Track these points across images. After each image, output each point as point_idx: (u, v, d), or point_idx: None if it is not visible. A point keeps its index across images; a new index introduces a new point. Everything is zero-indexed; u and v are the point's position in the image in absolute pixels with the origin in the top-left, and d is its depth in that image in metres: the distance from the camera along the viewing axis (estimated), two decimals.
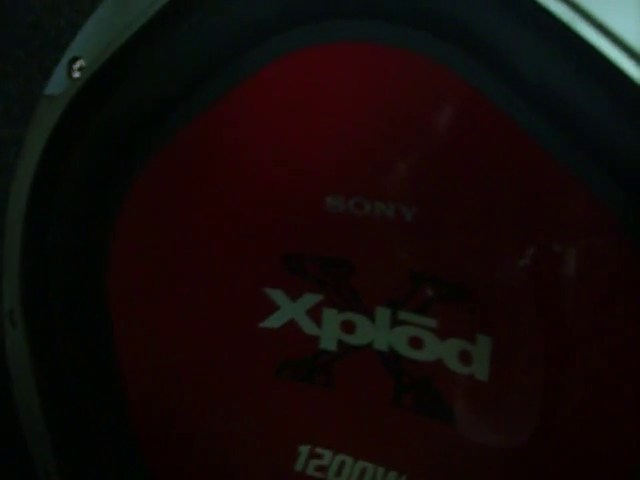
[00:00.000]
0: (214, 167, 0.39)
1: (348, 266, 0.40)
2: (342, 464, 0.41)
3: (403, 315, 0.40)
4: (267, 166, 0.38)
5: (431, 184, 0.37)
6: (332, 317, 0.41)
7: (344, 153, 0.38)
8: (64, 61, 0.39)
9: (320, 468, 0.41)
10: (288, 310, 0.41)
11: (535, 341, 0.38)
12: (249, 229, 0.40)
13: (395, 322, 0.40)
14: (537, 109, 0.33)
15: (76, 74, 0.38)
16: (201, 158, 0.39)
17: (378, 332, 0.41)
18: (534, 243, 0.37)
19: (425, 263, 0.39)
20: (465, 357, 0.40)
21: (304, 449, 0.41)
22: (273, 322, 0.41)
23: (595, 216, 0.35)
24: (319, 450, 0.41)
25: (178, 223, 0.40)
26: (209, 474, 0.43)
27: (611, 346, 0.36)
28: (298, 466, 0.41)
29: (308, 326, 0.41)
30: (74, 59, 0.38)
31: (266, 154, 0.38)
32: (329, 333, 0.41)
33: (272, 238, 0.40)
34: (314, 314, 0.41)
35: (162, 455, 0.43)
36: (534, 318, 0.38)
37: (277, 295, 0.41)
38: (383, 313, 0.40)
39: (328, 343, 0.41)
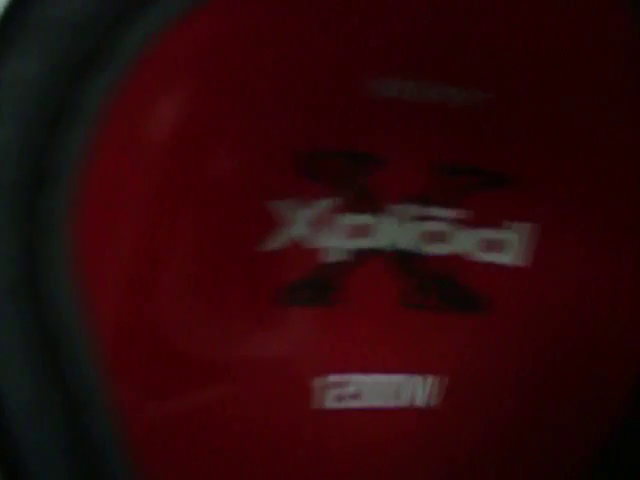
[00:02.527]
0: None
1: (370, 161, 0.36)
2: (375, 385, 0.38)
3: (424, 210, 0.37)
4: (297, 46, 0.34)
5: (504, 69, 0.35)
6: (342, 223, 0.37)
7: (398, 30, 0.34)
8: None
9: (352, 396, 0.38)
10: (294, 223, 0.37)
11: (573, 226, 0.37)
12: (260, 127, 0.35)
13: (414, 218, 0.37)
14: None
15: None
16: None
17: (393, 232, 0.37)
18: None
19: (466, 152, 0.36)
20: (495, 245, 0.38)
21: (329, 380, 0.38)
22: (278, 241, 0.37)
23: None
24: (346, 377, 0.38)
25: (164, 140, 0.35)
26: (213, 430, 0.38)
27: None
28: (327, 402, 0.38)
29: (314, 238, 0.37)
30: None
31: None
32: (338, 242, 0.37)
33: (287, 136, 0.35)
34: (321, 223, 0.37)
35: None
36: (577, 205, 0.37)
37: (284, 207, 0.36)
38: (401, 210, 0.37)
39: (335, 253, 0.37)
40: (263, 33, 0.33)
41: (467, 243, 0.38)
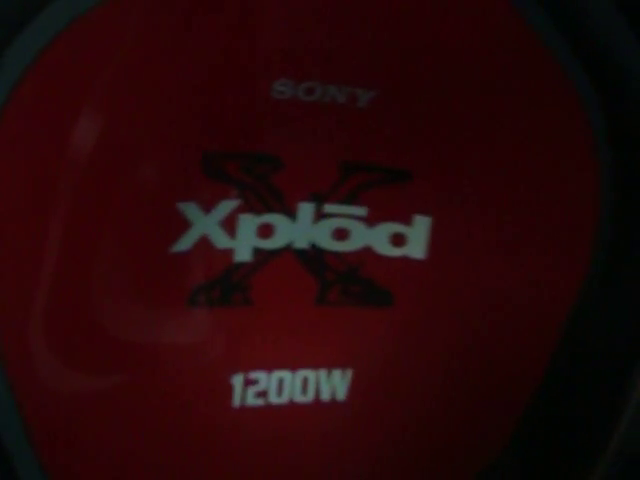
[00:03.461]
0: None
1: (274, 161, 0.37)
2: (281, 381, 0.38)
3: (328, 208, 0.38)
4: (196, 51, 0.34)
5: (397, 65, 0.35)
6: (248, 223, 0.37)
7: (293, 32, 0.34)
8: None
9: (259, 394, 0.38)
10: (200, 225, 0.37)
11: (473, 218, 0.38)
12: (164, 130, 0.35)
13: (319, 216, 0.38)
14: None
15: None
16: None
17: (299, 230, 0.38)
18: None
19: (365, 150, 0.37)
20: (397, 239, 0.38)
21: (237, 379, 0.38)
22: (185, 243, 0.37)
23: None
24: (253, 375, 0.38)
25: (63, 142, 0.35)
26: (131, 431, 0.38)
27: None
28: (235, 400, 0.38)
29: (221, 239, 0.37)
30: None
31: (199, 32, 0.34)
32: (244, 242, 0.38)
33: (191, 138, 0.36)
34: (228, 224, 0.37)
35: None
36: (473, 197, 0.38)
37: (190, 209, 0.37)
38: (306, 209, 0.38)
39: (243, 254, 0.38)
40: (163, 35, 0.33)
41: (372, 238, 0.38)
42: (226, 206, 0.37)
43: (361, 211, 0.38)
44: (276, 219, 0.38)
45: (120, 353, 0.37)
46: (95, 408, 0.36)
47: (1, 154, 0.32)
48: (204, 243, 0.37)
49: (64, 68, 0.32)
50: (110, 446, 0.37)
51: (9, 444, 0.35)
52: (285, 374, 0.39)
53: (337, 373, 0.39)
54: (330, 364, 0.39)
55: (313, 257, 0.38)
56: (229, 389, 0.38)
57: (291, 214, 0.38)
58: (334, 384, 0.39)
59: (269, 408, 0.39)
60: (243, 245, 0.38)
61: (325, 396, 0.39)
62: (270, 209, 0.37)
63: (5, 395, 0.34)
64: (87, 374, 0.36)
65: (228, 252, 0.38)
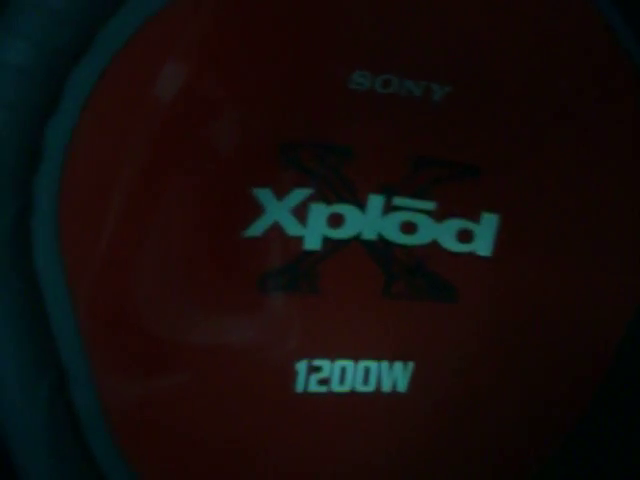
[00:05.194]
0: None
1: (347, 153, 0.38)
2: (343, 370, 0.39)
3: (398, 201, 0.38)
4: (279, 39, 0.35)
5: (473, 61, 0.36)
6: (319, 212, 0.38)
7: (374, 25, 0.35)
8: None
9: (322, 381, 0.39)
10: (273, 211, 0.38)
11: (541, 217, 0.38)
12: (244, 116, 0.36)
13: (388, 209, 0.39)
14: None
15: None
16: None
17: (368, 221, 0.38)
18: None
19: (436, 145, 0.38)
20: (464, 235, 0.39)
21: (301, 366, 0.39)
22: (257, 228, 0.38)
23: None
24: (317, 362, 0.39)
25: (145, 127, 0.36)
26: (198, 413, 0.39)
27: None
28: (298, 386, 0.39)
29: (292, 226, 0.38)
30: None
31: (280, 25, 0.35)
32: (314, 230, 0.38)
33: (270, 125, 0.37)
34: (299, 212, 0.38)
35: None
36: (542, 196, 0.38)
37: (264, 195, 0.38)
38: (376, 200, 0.38)
39: (312, 242, 0.38)
40: (247, 23, 0.34)
41: (439, 233, 0.39)
42: (298, 194, 0.38)
43: (430, 205, 0.39)
44: (346, 209, 0.38)
45: (187, 338, 0.38)
46: (166, 393, 0.37)
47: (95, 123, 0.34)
48: (275, 230, 0.38)
49: (152, 48, 0.33)
50: (180, 429, 0.38)
51: (87, 428, 0.36)
52: (348, 363, 0.39)
53: (399, 365, 0.39)
54: (392, 356, 0.39)
55: (380, 249, 0.39)
56: (293, 375, 0.39)
57: (361, 205, 0.38)
58: (396, 376, 0.39)
59: (331, 396, 0.39)
60: (313, 233, 0.38)
61: (386, 387, 0.39)
62: (341, 199, 0.38)
63: (86, 382, 0.35)
64: (157, 359, 0.37)
65: (298, 240, 0.38)
